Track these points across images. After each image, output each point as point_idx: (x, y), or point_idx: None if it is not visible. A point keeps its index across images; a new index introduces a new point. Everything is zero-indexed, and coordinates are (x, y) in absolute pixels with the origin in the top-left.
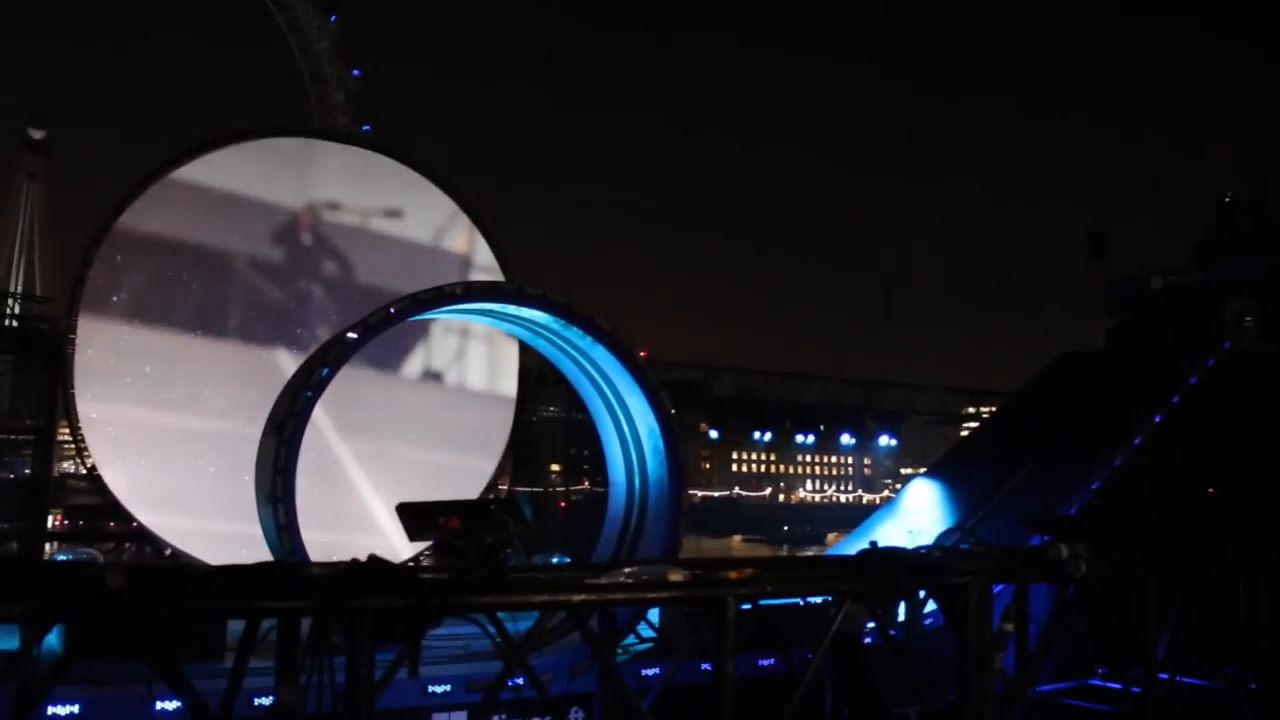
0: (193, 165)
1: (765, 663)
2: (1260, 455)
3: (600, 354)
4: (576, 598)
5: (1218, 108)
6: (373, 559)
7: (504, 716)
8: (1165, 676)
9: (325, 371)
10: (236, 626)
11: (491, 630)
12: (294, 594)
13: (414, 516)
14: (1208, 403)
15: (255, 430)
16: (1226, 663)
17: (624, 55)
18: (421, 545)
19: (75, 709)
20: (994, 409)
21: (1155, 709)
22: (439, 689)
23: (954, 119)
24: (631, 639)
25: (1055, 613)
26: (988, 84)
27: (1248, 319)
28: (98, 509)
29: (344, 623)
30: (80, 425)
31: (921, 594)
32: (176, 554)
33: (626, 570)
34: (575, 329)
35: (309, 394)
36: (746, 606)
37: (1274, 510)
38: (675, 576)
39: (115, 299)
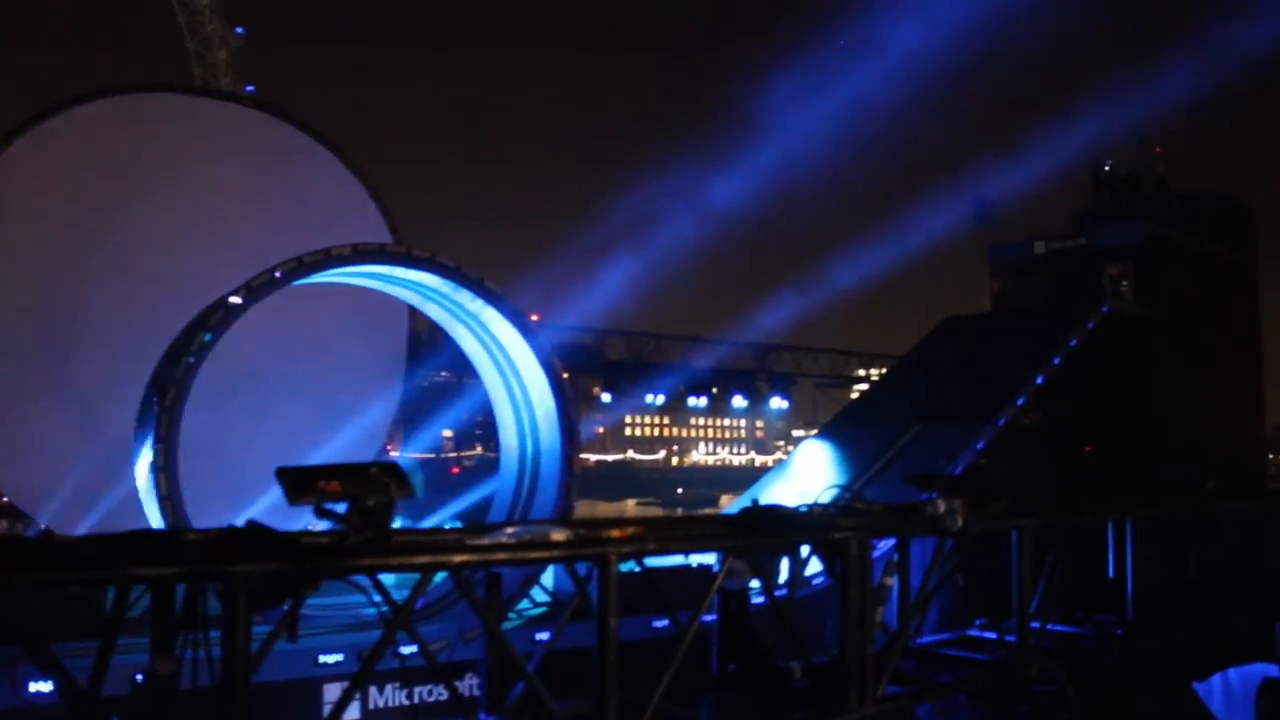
0: (61, 120)
1: (659, 624)
2: (1132, 413)
3: (491, 317)
4: (458, 558)
5: (1096, 75)
6: (250, 524)
7: (396, 685)
8: (1037, 625)
9: (208, 337)
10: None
11: (376, 597)
12: (166, 560)
13: (294, 480)
14: (1086, 364)
15: (133, 400)
16: (1095, 610)
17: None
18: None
19: None
20: (883, 371)
21: (1028, 656)
22: (330, 659)
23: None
24: (525, 603)
25: (933, 566)
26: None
27: (1124, 283)
28: None
29: (220, 590)
30: None
31: (805, 551)
32: (49, 531)
33: (509, 530)
34: (466, 292)
35: (191, 360)
36: (636, 569)
37: (1144, 465)
38: (558, 535)
39: None
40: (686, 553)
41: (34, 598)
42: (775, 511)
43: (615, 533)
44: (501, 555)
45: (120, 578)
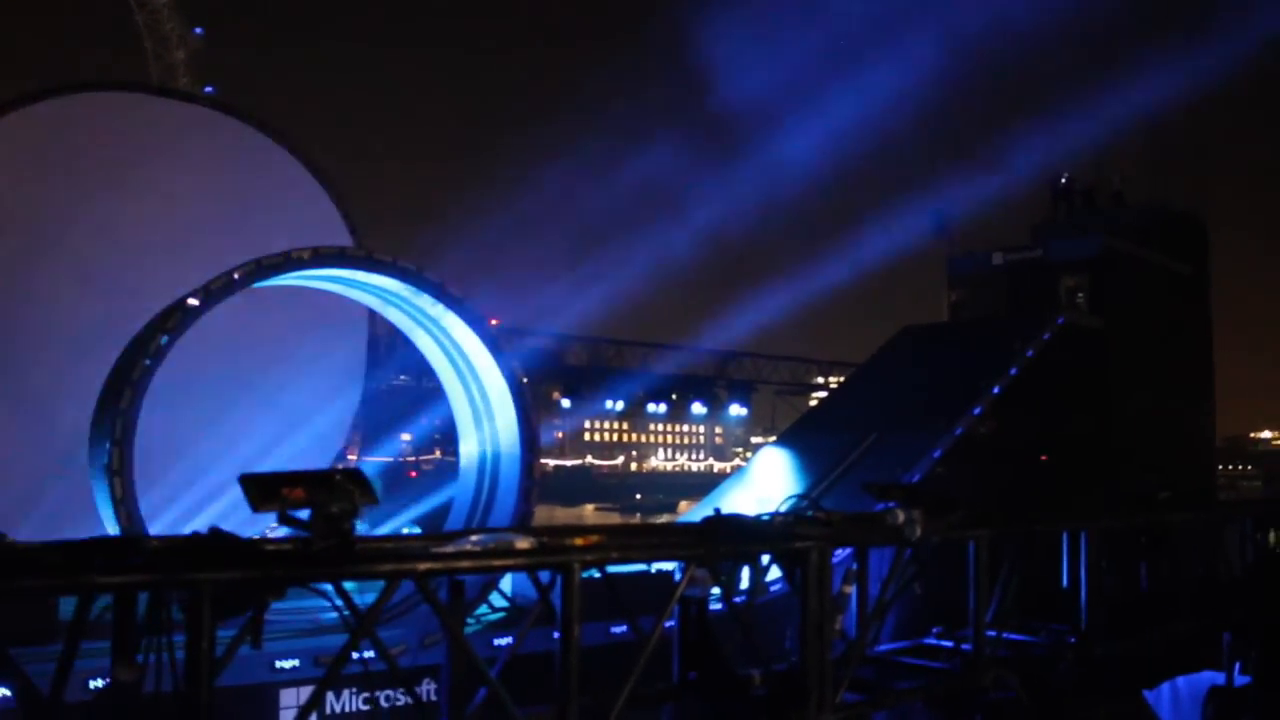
0: (13, 119)
1: (617, 630)
2: (1086, 423)
3: (452, 322)
4: (423, 566)
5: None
6: (214, 531)
7: (355, 690)
8: (993, 634)
9: (165, 339)
10: (68, 606)
11: (339, 603)
12: (130, 568)
13: (258, 488)
14: (1042, 374)
15: (87, 403)
16: (1049, 619)
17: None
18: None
19: None
20: (842, 379)
21: (983, 664)
22: (287, 664)
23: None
24: (484, 609)
25: (892, 575)
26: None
27: (1080, 295)
28: None
29: (183, 597)
30: None
31: (765, 559)
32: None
33: (473, 538)
34: (426, 296)
35: (147, 362)
36: (596, 575)
37: (1098, 475)
38: (522, 544)
39: None
40: (649, 561)
41: None
42: (737, 521)
43: (579, 541)
44: (466, 563)
45: (85, 585)
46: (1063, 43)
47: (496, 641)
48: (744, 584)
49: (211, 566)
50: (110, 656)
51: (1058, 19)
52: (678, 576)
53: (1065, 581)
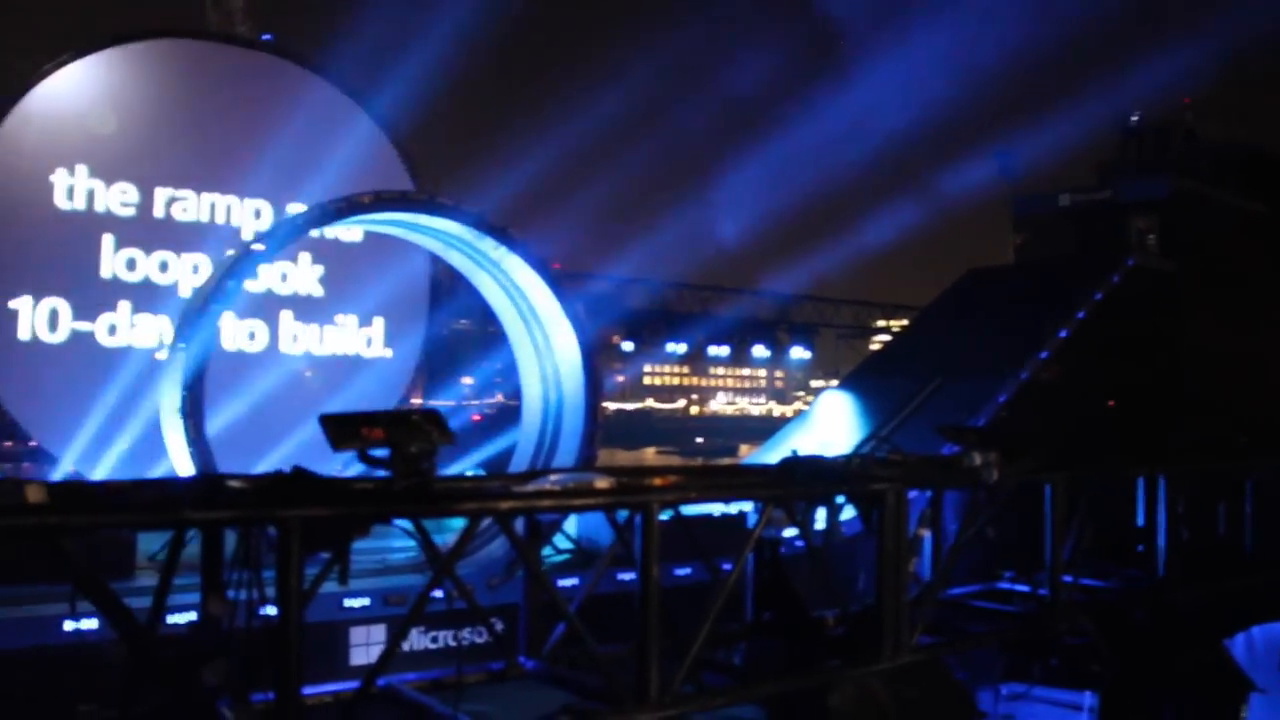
0: (77, 67)
1: (681, 572)
2: (1157, 367)
3: (514, 265)
4: (504, 505)
5: (1125, 26)
6: (297, 470)
7: (422, 629)
8: (1069, 579)
9: (232, 283)
10: (144, 544)
11: (419, 540)
12: (221, 504)
13: (337, 427)
14: (1111, 317)
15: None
16: (1125, 565)
17: None
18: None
19: None
20: (905, 323)
21: (1059, 608)
22: (356, 603)
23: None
24: (548, 550)
25: (967, 519)
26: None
27: (1150, 237)
28: None
29: (272, 534)
30: None
31: (840, 500)
32: (77, 474)
33: (553, 477)
34: (489, 239)
35: (215, 306)
36: (668, 516)
37: (1169, 420)
38: (602, 483)
39: (1, 211)
40: (727, 500)
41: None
42: (815, 462)
43: (658, 481)
44: (546, 502)
45: (179, 521)
46: None
47: (561, 582)
48: (819, 525)
49: (299, 504)
50: (184, 593)
51: None
52: (751, 519)
53: (1141, 526)
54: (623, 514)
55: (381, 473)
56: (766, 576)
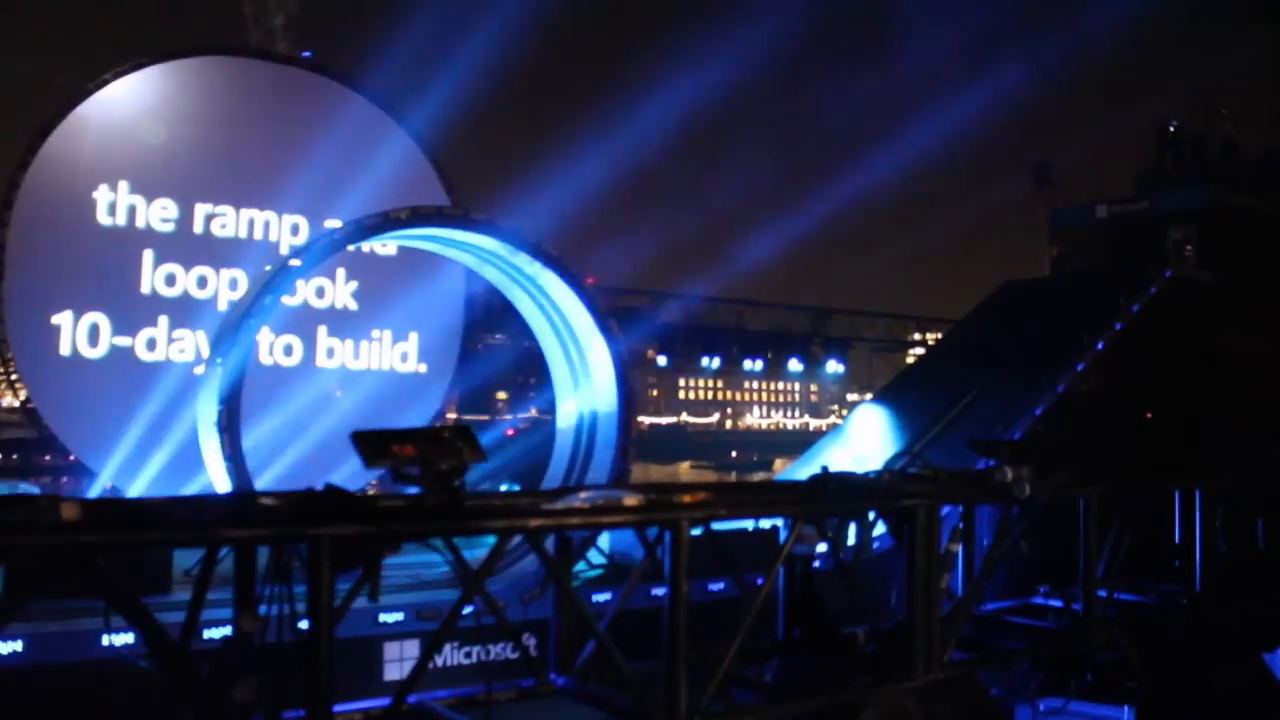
0: (121, 84)
1: (714, 587)
2: (1195, 379)
3: (548, 280)
4: (534, 523)
5: (1161, 36)
6: (329, 488)
7: (456, 644)
8: (1104, 594)
9: (269, 298)
10: (180, 559)
11: (450, 558)
12: (253, 522)
13: (369, 444)
14: (1148, 329)
15: (193, 363)
16: (1161, 580)
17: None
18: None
19: (19, 646)
20: (940, 336)
21: (1094, 624)
22: (390, 618)
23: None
24: (582, 565)
25: (1000, 534)
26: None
27: (1188, 248)
28: (31, 443)
29: (303, 551)
30: (11, 356)
31: (871, 516)
32: (115, 489)
33: (582, 495)
34: (524, 255)
35: (252, 321)
36: (698, 532)
37: (1207, 433)
38: (631, 500)
39: (45, 226)
40: (757, 518)
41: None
42: (845, 478)
43: (687, 498)
44: (575, 520)
45: (211, 539)
46: None
47: (594, 597)
48: (849, 541)
49: (330, 521)
50: (218, 609)
51: None
52: (782, 535)
53: (1178, 540)
54: (653, 530)
55: (414, 489)
56: (797, 592)
